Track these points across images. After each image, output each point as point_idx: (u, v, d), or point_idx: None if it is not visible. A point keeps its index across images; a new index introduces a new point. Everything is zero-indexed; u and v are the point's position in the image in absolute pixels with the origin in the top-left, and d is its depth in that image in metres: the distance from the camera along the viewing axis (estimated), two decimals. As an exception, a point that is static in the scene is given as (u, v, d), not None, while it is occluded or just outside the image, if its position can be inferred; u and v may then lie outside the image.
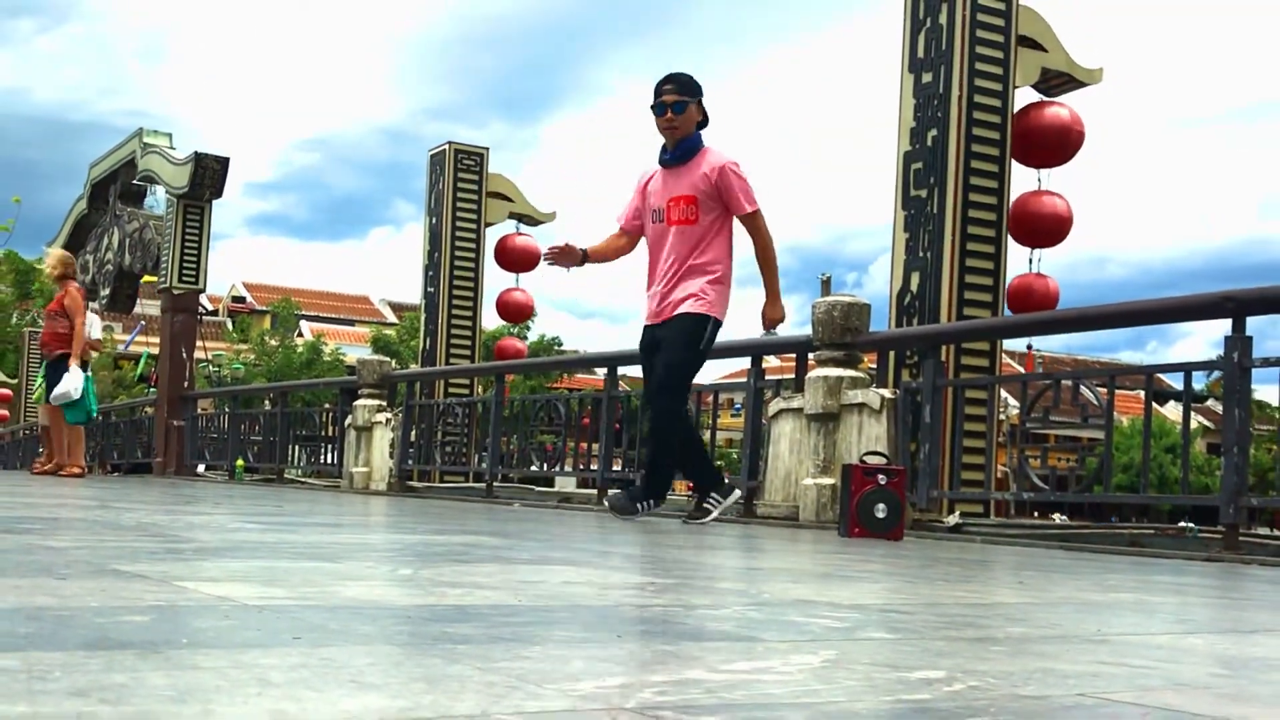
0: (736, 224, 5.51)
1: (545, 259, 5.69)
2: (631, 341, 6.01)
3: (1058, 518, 20.12)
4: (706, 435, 7.07)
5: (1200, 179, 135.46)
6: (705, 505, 5.56)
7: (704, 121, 5.50)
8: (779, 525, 6.00)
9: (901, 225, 7.41)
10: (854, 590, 2.55)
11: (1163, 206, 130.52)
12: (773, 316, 5.63)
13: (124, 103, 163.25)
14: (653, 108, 5.43)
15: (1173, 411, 35.57)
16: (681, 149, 5.44)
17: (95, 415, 10.06)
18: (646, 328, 5.60)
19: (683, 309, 5.39)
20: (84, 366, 10.17)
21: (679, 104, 5.38)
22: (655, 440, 5.65)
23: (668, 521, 5.86)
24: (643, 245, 5.73)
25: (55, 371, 10.00)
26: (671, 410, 5.49)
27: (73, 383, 9.88)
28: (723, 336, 5.66)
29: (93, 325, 11.38)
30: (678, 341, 5.40)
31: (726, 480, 5.90)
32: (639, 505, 5.62)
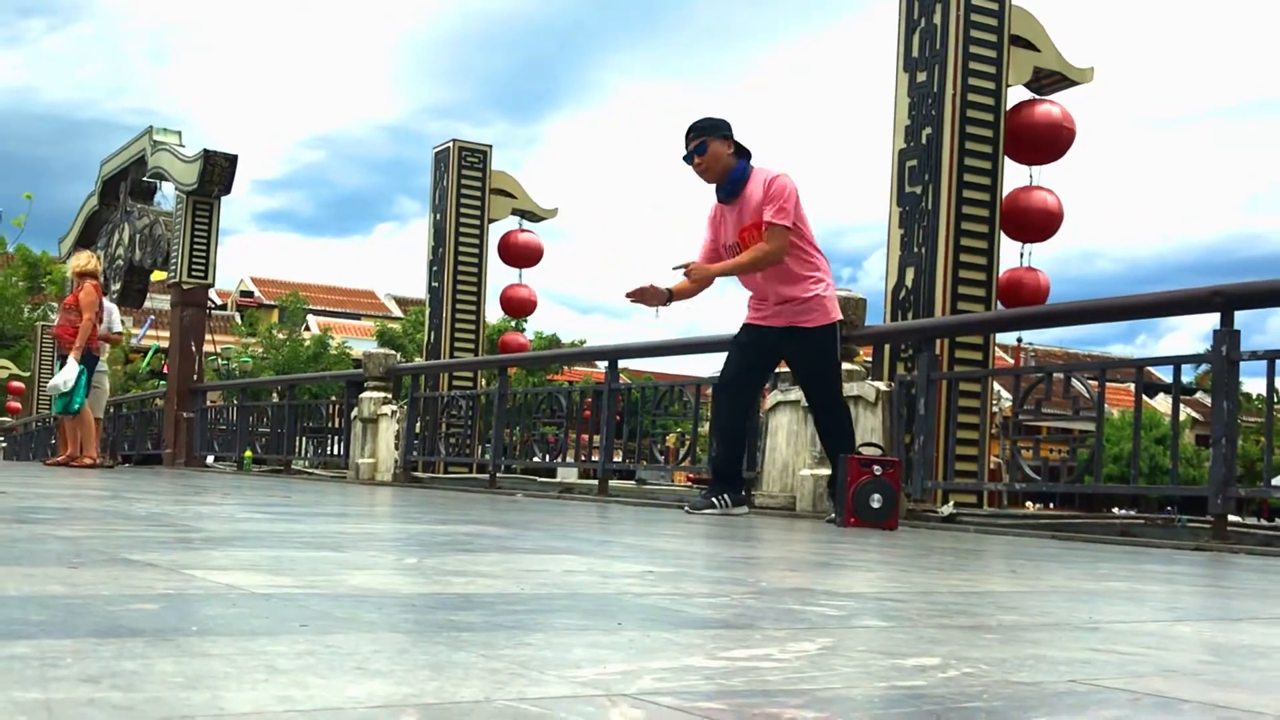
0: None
1: (629, 298, 5.58)
2: (631, 337, 6.00)
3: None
4: (706, 428, 7.08)
5: (1189, 175, 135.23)
6: (713, 500, 5.57)
7: (741, 150, 5.52)
8: (776, 515, 6.03)
9: (896, 221, 7.43)
10: (850, 579, 2.57)
11: (1152, 202, 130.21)
12: (700, 271, 5.47)
13: (132, 101, 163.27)
14: (684, 159, 5.52)
15: (1162, 404, 35.53)
16: (729, 184, 5.47)
17: (74, 409, 10.08)
18: (756, 327, 5.60)
19: (808, 323, 5.48)
20: (94, 361, 10.25)
21: (700, 145, 5.46)
22: (835, 444, 5.60)
23: (667, 511, 5.89)
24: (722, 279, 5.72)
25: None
26: (845, 416, 5.65)
27: (64, 376, 9.94)
28: (721, 331, 5.65)
29: (112, 317, 11.39)
30: (821, 367, 5.59)
31: (744, 494, 5.90)
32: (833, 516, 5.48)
